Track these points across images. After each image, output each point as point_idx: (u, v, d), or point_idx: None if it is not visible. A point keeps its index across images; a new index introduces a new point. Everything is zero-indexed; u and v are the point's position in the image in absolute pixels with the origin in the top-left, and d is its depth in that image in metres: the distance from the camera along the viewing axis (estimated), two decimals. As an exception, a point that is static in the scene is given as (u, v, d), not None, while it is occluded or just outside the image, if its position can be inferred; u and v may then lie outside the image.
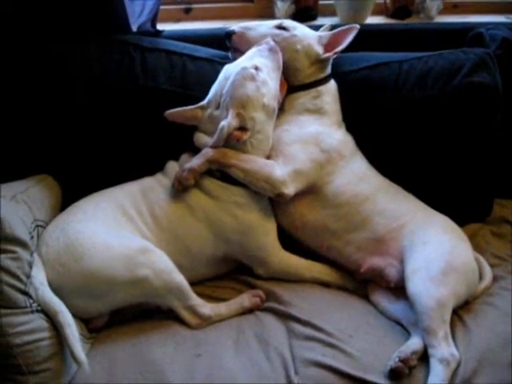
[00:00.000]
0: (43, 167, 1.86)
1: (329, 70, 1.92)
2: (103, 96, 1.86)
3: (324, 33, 1.90)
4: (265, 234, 1.77)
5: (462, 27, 2.31)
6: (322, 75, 1.89)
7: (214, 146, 1.68)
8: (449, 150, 1.97)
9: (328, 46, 1.86)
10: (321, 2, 2.45)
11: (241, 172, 1.69)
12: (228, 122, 1.66)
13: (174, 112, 1.78)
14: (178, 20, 2.41)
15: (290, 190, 1.71)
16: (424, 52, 2.05)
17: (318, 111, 1.84)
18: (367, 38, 2.22)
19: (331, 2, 2.46)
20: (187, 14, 2.43)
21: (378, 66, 1.99)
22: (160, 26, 2.18)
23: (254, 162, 1.70)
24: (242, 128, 1.69)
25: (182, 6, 2.42)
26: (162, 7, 2.16)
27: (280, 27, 1.84)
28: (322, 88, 1.87)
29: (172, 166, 1.81)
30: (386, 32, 2.35)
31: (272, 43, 1.78)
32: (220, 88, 1.75)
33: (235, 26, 1.87)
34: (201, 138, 1.77)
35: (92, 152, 1.89)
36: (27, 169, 1.82)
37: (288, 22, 1.87)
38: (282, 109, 1.84)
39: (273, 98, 1.74)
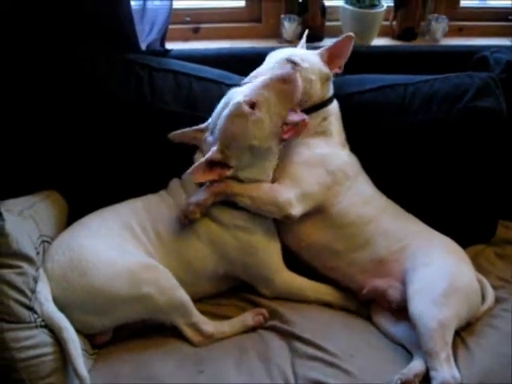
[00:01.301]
0: (50, 183, 1.87)
1: (332, 90, 1.93)
2: (111, 114, 1.88)
3: (320, 50, 1.89)
4: (268, 254, 1.77)
5: (467, 50, 2.33)
6: (329, 95, 1.90)
7: (193, 172, 1.64)
8: (453, 172, 1.98)
9: (329, 61, 1.86)
10: (327, 24, 2.47)
11: (247, 199, 1.70)
12: (209, 155, 1.65)
13: (176, 134, 1.79)
14: (186, 39, 2.43)
15: (296, 211, 1.72)
16: (429, 74, 2.07)
17: (325, 133, 1.85)
18: (373, 60, 2.27)
19: (338, 23, 2.48)
20: (196, 34, 2.45)
21: (383, 89, 2.01)
22: (168, 45, 2.21)
23: (258, 188, 1.70)
24: (226, 165, 1.67)
25: (191, 26, 2.45)
26: (170, 26, 2.18)
27: (289, 61, 1.79)
28: (330, 108, 1.89)
29: (175, 185, 1.83)
30: (391, 54, 2.36)
31: (288, 70, 1.70)
32: (217, 115, 1.71)
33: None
34: (198, 159, 1.75)
35: (98, 168, 1.91)
36: (34, 184, 1.83)
37: (295, 56, 1.81)
38: None
39: (267, 139, 1.65)
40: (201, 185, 1.71)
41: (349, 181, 1.81)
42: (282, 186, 1.73)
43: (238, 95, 1.67)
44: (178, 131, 1.79)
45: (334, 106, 1.92)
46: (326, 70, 1.85)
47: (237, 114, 1.64)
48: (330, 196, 1.78)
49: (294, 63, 1.79)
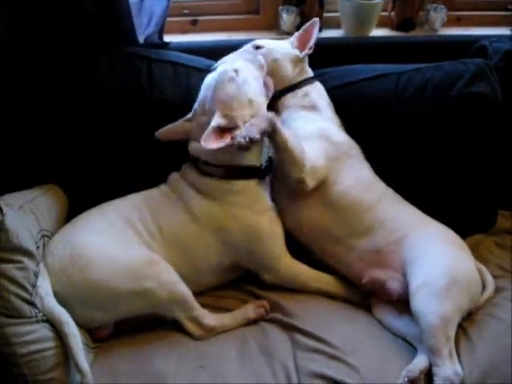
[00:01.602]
0: (50, 177, 1.87)
1: (310, 72, 1.98)
2: (110, 106, 1.87)
3: (291, 38, 1.99)
4: (272, 240, 1.77)
5: (466, 40, 2.33)
6: (306, 75, 1.96)
7: (206, 139, 1.63)
8: (450, 160, 1.98)
9: (300, 46, 1.95)
10: (326, 15, 2.46)
11: (283, 145, 1.69)
12: (215, 122, 1.65)
13: (163, 131, 1.80)
14: (184, 32, 2.43)
15: (310, 182, 1.74)
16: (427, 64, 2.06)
17: (313, 108, 1.89)
18: (372, 51, 2.26)
19: (336, 14, 2.47)
20: (194, 26, 2.44)
21: (376, 78, 2.01)
22: (167, 38, 2.20)
23: (296, 144, 1.71)
24: (232, 128, 1.68)
25: (189, 18, 2.44)
26: (168, 19, 2.17)
27: (256, 47, 1.92)
28: (307, 87, 1.93)
29: (175, 177, 1.82)
30: (390, 44, 2.36)
31: (249, 48, 1.90)
32: (204, 96, 1.75)
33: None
34: (194, 146, 1.76)
35: (98, 162, 1.90)
36: (34, 178, 1.82)
37: (260, 41, 1.95)
38: (275, 112, 1.84)
39: (258, 94, 1.75)
40: (202, 172, 1.74)
41: (350, 159, 1.83)
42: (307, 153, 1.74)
43: (218, 69, 1.77)
44: (164, 128, 1.80)
45: (316, 87, 1.96)
46: (294, 51, 1.94)
47: (226, 79, 1.72)
48: (332, 171, 1.79)
49: (258, 47, 1.93)
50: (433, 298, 1.58)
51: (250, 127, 1.64)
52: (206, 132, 1.63)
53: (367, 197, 1.79)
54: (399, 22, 2.49)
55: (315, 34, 1.94)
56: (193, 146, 1.78)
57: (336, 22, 2.48)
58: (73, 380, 1.49)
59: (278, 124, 1.68)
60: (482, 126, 1.97)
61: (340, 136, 1.86)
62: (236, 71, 1.73)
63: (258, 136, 1.62)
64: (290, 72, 1.92)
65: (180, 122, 1.80)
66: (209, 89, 1.74)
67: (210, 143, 1.62)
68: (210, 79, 1.76)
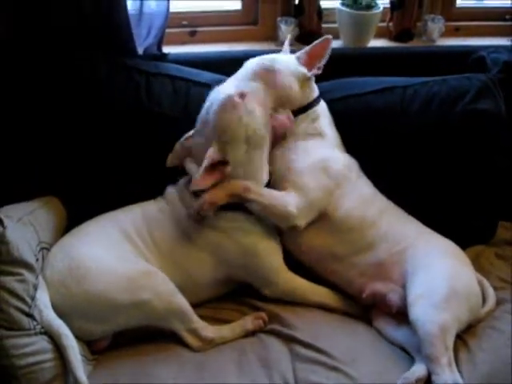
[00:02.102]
0: (49, 189, 1.87)
1: (317, 90, 1.93)
2: (109, 119, 1.88)
3: (299, 53, 1.89)
4: (269, 255, 1.76)
5: (464, 50, 2.33)
6: (314, 95, 1.91)
7: (197, 182, 1.63)
8: (453, 174, 1.98)
9: (307, 63, 1.86)
10: (324, 26, 2.46)
11: (258, 206, 1.70)
12: (209, 157, 1.62)
13: (171, 157, 1.81)
14: (183, 43, 2.43)
15: (302, 222, 1.73)
16: (426, 75, 2.07)
17: (319, 134, 1.86)
18: (370, 61, 2.27)
19: (335, 25, 2.48)
20: (192, 37, 2.44)
21: (382, 91, 2.01)
22: (165, 49, 2.20)
23: (271, 198, 1.70)
24: (224, 162, 1.66)
25: (188, 29, 2.44)
26: (167, 30, 2.18)
27: (263, 68, 1.80)
28: (318, 108, 1.89)
29: (171, 192, 1.81)
30: (388, 55, 2.36)
31: (266, 62, 1.78)
32: (205, 114, 1.71)
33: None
34: (189, 165, 1.76)
35: (97, 174, 1.90)
36: (33, 190, 1.82)
37: (266, 60, 1.83)
38: (286, 137, 1.85)
39: (261, 127, 1.68)
40: (195, 194, 1.70)
41: (350, 184, 1.81)
42: (290, 196, 1.72)
43: (224, 90, 1.69)
44: (172, 153, 1.81)
45: (322, 106, 1.92)
46: (303, 70, 1.85)
47: (229, 105, 1.65)
48: (332, 201, 1.78)
49: (267, 70, 1.80)
50: (432, 308, 1.58)
51: (214, 191, 1.65)
52: (200, 171, 1.62)
53: (369, 213, 1.79)
54: (397, 32, 2.50)
55: (327, 53, 1.84)
56: (188, 166, 1.77)
57: (334, 32, 2.46)
58: (71, 392, 1.49)
59: (247, 193, 1.67)
60: (486, 141, 1.98)
61: (338, 163, 1.82)
62: (241, 96, 1.67)
63: (222, 201, 1.66)
64: (297, 92, 1.83)
65: (183, 140, 1.80)
66: (210, 111, 1.69)
67: (202, 182, 1.62)
68: (214, 99, 1.70)
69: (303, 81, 1.85)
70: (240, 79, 1.76)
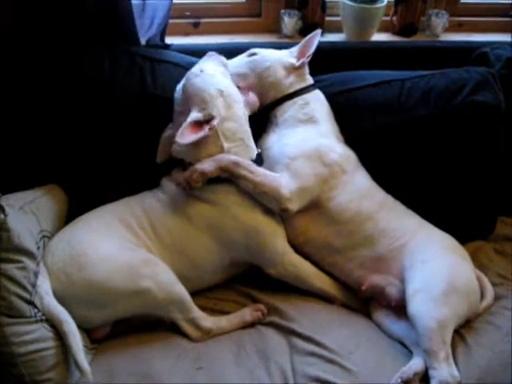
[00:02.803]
0: (51, 177, 1.87)
1: (311, 80, 1.96)
2: (112, 106, 1.87)
3: (293, 49, 1.97)
4: (272, 235, 1.75)
5: (468, 46, 2.33)
6: (304, 84, 1.93)
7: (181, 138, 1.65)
8: (452, 167, 1.98)
9: (300, 56, 1.93)
10: (327, 19, 2.46)
11: (250, 184, 1.70)
12: (190, 117, 1.67)
13: (159, 154, 1.84)
14: (186, 34, 2.43)
15: (294, 206, 1.73)
16: (429, 70, 2.07)
17: (310, 120, 1.87)
18: (373, 55, 2.27)
19: (338, 18, 2.47)
20: (196, 29, 2.44)
21: (380, 84, 2.00)
22: (168, 40, 2.20)
23: (263, 176, 1.71)
24: (209, 120, 1.69)
25: (191, 21, 2.44)
26: (170, 21, 2.18)
27: (250, 54, 1.93)
28: (307, 96, 1.91)
29: (166, 182, 1.82)
30: (391, 49, 2.36)
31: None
32: (176, 99, 1.80)
33: None
34: (176, 148, 1.77)
35: (100, 162, 1.90)
36: (35, 179, 1.83)
37: (256, 49, 1.95)
38: (273, 122, 1.89)
39: (228, 85, 1.79)
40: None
41: (345, 175, 1.81)
42: (283, 178, 1.73)
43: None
44: (159, 150, 1.84)
45: (316, 95, 1.94)
46: (289, 59, 1.93)
47: (192, 76, 1.77)
48: (326, 190, 1.78)
49: (253, 54, 1.94)
50: (430, 302, 1.59)
51: (206, 162, 1.68)
52: (181, 128, 1.65)
53: (366, 207, 1.79)
54: (401, 26, 2.50)
55: (314, 44, 1.92)
56: (175, 148, 1.78)
57: (338, 26, 2.48)
58: (71, 380, 1.50)
59: (238, 169, 1.69)
60: (485, 134, 1.97)
61: (335, 152, 1.82)
62: (201, 71, 1.78)
63: (212, 173, 1.67)
64: (282, 80, 1.90)
65: (165, 133, 1.83)
66: (179, 91, 1.78)
67: (185, 137, 1.64)
68: (180, 85, 1.80)
69: (291, 69, 1.92)
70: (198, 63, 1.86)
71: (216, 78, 1.77)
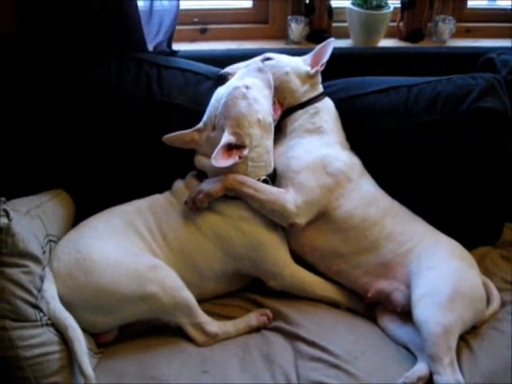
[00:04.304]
0: (57, 182, 1.88)
1: (321, 88, 1.97)
2: (119, 111, 1.89)
3: (305, 56, 1.98)
4: (275, 247, 1.77)
5: (474, 51, 2.33)
6: (316, 93, 1.94)
7: (216, 158, 1.65)
8: (458, 173, 1.97)
9: (313, 64, 1.94)
10: (334, 25, 2.47)
11: (256, 202, 1.71)
12: (225, 140, 1.67)
13: (172, 136, 1.81)
14: (193, 40, 2.44)
15: (301, 220, 1.74)
16: (436, 75, 2.07)
17: (317, 130, 1.87)
18: (380, 61, 2.27)
19: (345, 24, 2.48)
20: (203, 34, 2.46)
21: (386, 90, 2.01)
22: (175, 46, 2.21)
23: (269, 193, 1.72)
24: (240, 146, 1.70)
25: (198, 27, 2.46)
26: (177, 27, 2.18)
27: (266, 59, 1.92)
28: (318, 105, 1.92)
29: (179, 186, 1.84)
30: (398, 55, 2.36)
31: (260, 64, 1.86)
32: (214, 110, 1.77)
33: (227, 69, 1.94)
34: (201, 160, 1.79)
35: (106, 167, 1.92)
36: (42, 184, 1.84)
37: (271, 54, 1.96)
38: (282, 132, 1.89)
39: (267, 114, 1.77)
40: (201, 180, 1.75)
41: (351, 183, 1.81)
42: (288, 193, 1.74)
43: (231, 84, 1.78)
44: (173, 134, 1.81)
45: (326, 103, 1.95)
46: (305, 68, 1.93)
47: (238, 96, 1.73)
48: (333, 199, 1.78)
49: (268, 58, 1.94)
50: (436, 308, 1.59)
51: (212, 182, 1.70)
52: (217, 149, 1.65)
53: (372, 213, 1.79)
54: (408, 32, 2.50)
55: (328, 52, 1.92)
56: (199, 160, 1.80)
57: (345, 31, 2.49)
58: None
59: (244, 188, 1.70)
60: (491, 141, 1.97)
61: (339, 161, 1.82)
62: (247, 87, 1.75)
63: (218, 193, 1.69)
64: (298, 87, 1.91)
65: (190, 131, 1.81)
66: (220, 103, 1.75)
67: (219, 161, 1.65)
68: (220, 93, 1.78)
69: (306, 78, 1.92)
70: (240, 77, 1.82)
71: (259, 105, 1.75)
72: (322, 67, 1.93)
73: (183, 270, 1.71)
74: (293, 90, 1.90)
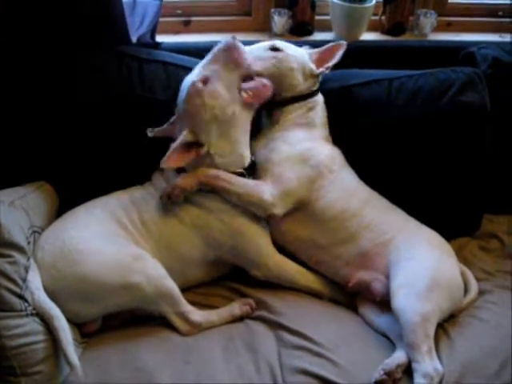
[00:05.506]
0: (41, 174, 1.88)
1: (318, 84, 1.95)
2: (101, 105, 1.89)
3: (311, 50, 1.94)
4: (256, 237, 1.78)
5: (455, 45, 2.36)
6: (314, 88, 1.93)
7: (165, 160, 1.68)
8: (438, 166, 2.00)
9: (317, 63, 1.91)
10: (317, 18, 2.47)
11: (233, 195, 1.72)
12: (180, 138, 1.69)
13: (155, 132, 1.82)
14: (176, 32, 2.43)
15: (279, 210, 1.75)
16: (417, 69, 2.09)
17: (307, 124, 1.87)
18: (362, 54, 2.28)
19: (327, 17, 2.49)
20: (186, 27, 2.45)
21: (368, 84, 2.02)
22: (159, 38, 2.21)
23: (244, 186, 1.73)
24: (200, 144, 1.71)
25: (182, 19, 2.44)
26: (161, 19, 2.18)
27: (273, 49, 1.85)
28: (315, 99, 1.92)
29: (157, 176, 1.84)
30: (380, 48, 2.39)
31: (228, 41, 1.77)
32: (178, 103, 1.78)
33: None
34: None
35: (88, 160, 1.91)
36: (25, 176, 1.84)
37: (280, 43, 1.88)
38: (270, 125, 1.89)
39: (226, 106, 1.71)
40: (179, 172, 1.75)
41: (332, 174, 1.82)
42: (265, 185, 1.75)
43: (190, 77, 1.76)
44: (157, 129, 1.82)
45: (320, 98, 1.95)
46: (310, 65, 1.89)
47: (192, 92, 1.72)
48: (313, 191, 1.79)
49: (277, 49, 1.85)
50: (414, 298, 1.61)
51: (186, 177, 1.71)
52: (170, 150, 1.68)
53: (352, 204, 1.81)
54: (390, 26, 2.51)
55: (338, 56, 1.90)
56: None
57: (327, 24, 2.49)
58: (61, 373, 1.52)
59: (217, 182, 1.71)
60: (471, 134, 1.99)
61: (321, 154, 1.82)
62: (206, 80, 1.71)
63: (192, 188, 1.71)
64: (300, 83, 1.87)
65: (168, 124, 1.83)
66: (181, 97, 1.76)
67: (170, 161, 1.68)
68: (183, 85, 1.77)
69: (309, 75, 1.89)
70: (203, 64, 1.78)
71: (216, 99, 1.71)
72: (327, 71, 1.91)
73: (165, 258, 1.72)
74: (294, 85, 1.86)
